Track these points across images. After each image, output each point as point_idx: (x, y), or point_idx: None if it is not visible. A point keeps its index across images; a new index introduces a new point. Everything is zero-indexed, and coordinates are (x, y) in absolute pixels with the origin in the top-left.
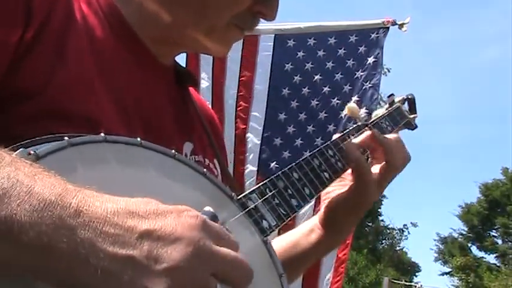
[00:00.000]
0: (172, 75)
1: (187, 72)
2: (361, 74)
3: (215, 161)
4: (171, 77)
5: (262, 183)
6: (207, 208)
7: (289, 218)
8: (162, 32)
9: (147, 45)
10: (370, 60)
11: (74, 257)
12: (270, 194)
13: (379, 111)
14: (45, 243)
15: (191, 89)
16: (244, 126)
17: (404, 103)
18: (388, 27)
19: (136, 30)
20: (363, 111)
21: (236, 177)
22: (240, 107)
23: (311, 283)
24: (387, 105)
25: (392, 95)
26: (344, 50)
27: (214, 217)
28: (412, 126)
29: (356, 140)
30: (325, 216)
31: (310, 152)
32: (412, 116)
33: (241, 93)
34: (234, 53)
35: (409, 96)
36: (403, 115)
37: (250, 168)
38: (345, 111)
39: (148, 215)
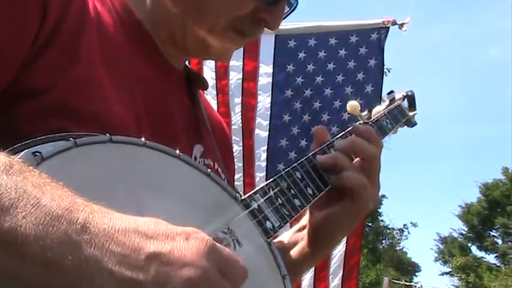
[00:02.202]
0: (183, 78)
1: (198, 75)
2: (363, 76)
3: (221, 166)
4: (182, 80)
5: (265, 183)
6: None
7: (293, 219)
8: (168, 33)
9: (159, 47)
10: (371, 62)
11: (77, 275)
12: (274, 194)
13: (379, 108)
14: (48, 258)
15: (202, 95)
16: (251, 127)
17: (404, 100)
18: (388, 27)
19: (149, 30)
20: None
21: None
22: (246, 107)
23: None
24: (387, 102)
25: (392, 92)
26: (345, 50)
27: (218, 239)
28: (411, 123)
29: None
30: (316, 231)
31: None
32: (412, 113)
33: (245, 99)
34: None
35: (409, 93)
36: (403, 112)
37: (259, 175)
38: (347, 109)
39: (157, 235)
